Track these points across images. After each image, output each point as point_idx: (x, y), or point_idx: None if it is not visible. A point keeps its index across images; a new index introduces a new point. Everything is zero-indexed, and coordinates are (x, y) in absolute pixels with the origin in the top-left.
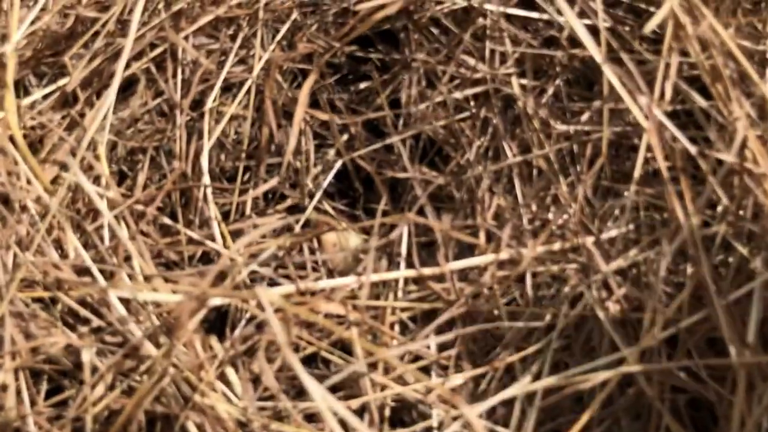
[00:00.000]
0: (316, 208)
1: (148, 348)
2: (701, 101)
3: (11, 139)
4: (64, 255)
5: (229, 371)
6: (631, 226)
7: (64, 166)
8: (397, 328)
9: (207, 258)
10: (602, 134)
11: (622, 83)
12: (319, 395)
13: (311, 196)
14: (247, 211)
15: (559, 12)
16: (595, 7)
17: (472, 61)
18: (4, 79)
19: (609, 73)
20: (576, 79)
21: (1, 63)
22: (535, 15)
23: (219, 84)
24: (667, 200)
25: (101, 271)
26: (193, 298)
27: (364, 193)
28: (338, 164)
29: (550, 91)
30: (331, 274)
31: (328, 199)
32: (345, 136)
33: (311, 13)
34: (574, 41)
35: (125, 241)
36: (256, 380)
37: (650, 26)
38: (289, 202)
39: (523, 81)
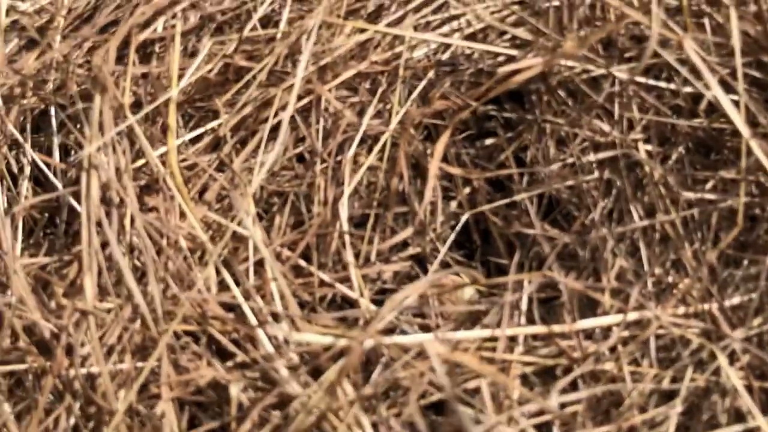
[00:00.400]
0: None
1: (294, 387)
2: None
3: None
4: (206, 290)
5: (364, 415)
6: (754, 295)
7: (210, 205)
8: (517, 381)
9: (333, 300)
10: (727, 203)
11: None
12: None
13: (434, 246)
14: (372, 257)
15: (700, 79)
16: (736, 84)
17: (602, 125)
18: (165, 119)
19: (756, 148)
20: (695, 147)
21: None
22: (662, 84)
23: (360, 135)
24: None
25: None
26: (358, 342)
27: (481, 245)
28: (464, 218)
29: (674, 157)
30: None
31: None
32: (467, 189)
33: (447, 73)
34: (696, 110)
35: (279, 277)
36: (390, 426)
37: None
38: (410, 250)
39: (648, 147)
